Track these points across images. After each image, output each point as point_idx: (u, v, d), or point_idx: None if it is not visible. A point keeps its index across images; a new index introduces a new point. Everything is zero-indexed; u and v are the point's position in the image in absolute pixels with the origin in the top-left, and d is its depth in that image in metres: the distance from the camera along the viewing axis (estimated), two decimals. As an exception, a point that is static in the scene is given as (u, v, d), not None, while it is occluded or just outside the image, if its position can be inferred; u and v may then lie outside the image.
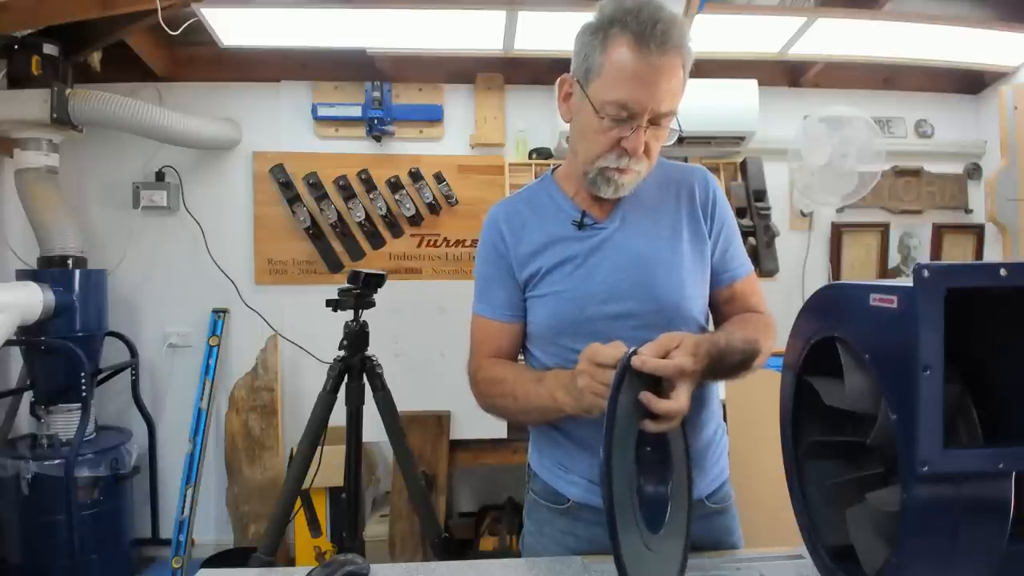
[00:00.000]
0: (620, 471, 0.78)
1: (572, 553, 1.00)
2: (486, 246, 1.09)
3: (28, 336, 2.25)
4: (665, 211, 1.06)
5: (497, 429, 2.38)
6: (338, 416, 1.79)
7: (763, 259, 2.72)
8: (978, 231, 2.97)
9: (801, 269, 2.92)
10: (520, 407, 1.00)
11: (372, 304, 1.85)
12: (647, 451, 0.84)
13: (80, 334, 2.32)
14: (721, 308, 1.09)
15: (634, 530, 0.79)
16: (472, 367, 1.09)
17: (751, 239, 2.72)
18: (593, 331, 0.98)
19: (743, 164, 2.82)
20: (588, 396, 0.84)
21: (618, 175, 0.97)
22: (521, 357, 1.12)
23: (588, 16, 0.97)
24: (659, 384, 0.83)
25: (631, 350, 0.82)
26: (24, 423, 2.57)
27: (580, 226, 1.03)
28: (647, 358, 0.81)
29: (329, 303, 1.82)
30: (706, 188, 1.08)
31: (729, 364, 0.92)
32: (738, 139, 2.71)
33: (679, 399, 0.82)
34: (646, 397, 0.81)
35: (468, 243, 2.81)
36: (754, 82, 2.64)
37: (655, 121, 0.94)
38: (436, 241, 2.81)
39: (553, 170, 1.14)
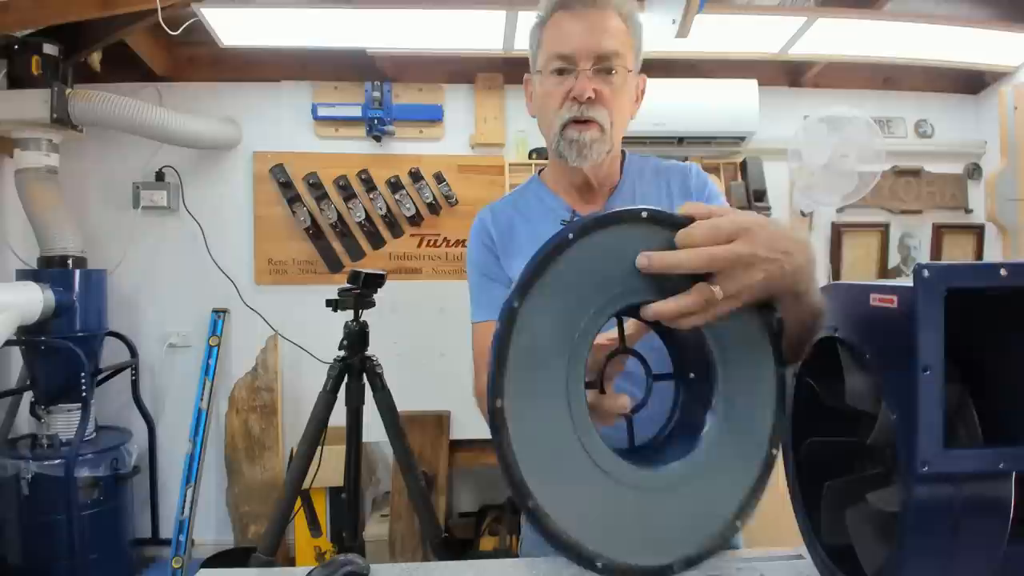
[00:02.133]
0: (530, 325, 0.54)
1: None
2: (476, 251, 1.05)
3: (28, 336, 2.25)
4: (657, 204, 1.04)
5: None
6: (338, 416, 1.79)
7: (763, 259, 2.71)
8: (978, 231, 2.97)
9: (801, 269, 2.92)
10: None
11: (372, 304, 1.86)
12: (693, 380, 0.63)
13: (80, 334, 2.32)
14: None
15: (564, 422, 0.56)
16: (476, 384, 0.99)
17: (751, 239, 2.71)
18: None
19: (743, 164, 2.82)
20: None
21: (579, 131, 0.94)
22: None
23: None
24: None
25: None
26: (24, 423, 2.56)
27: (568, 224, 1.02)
28: (664, 255, 0.54)
29: (329, 303, 1.83)
30: (699, 181, 1.04)
31: (808, 309, 0.64)
32: (738, 139, 2.71)
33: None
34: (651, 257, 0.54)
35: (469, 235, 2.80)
36: (754, 82, 2.64)
37: (599, 65, 0.93)
38: (436, 241, 2.81)
39: (540, 172, 1.12)
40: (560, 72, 0.94)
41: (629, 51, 0.95)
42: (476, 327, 1.04)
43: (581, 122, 0.94)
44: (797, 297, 0.60)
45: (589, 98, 0.92)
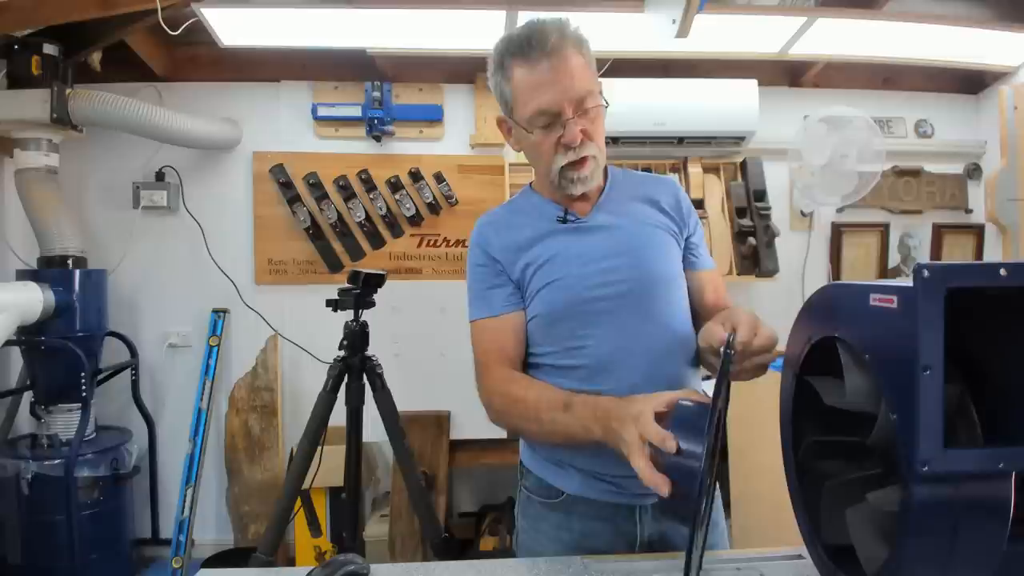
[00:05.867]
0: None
1: (568, 548, 1.01)
2: (475, 255, 1.12)
3: (28, 336, 2.25)
4: (640, 208, 1.12)
5: (497, 429, 2.38)
6: (338, 416, 1.79)
7: (763, 259, 2.72)
8: (978, 231, 2.97)
9: (801, 269, 2.92)
10: (545, 431, 0.95)
11: (372, 304, 1.86)
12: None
13: (80, 334, 2.32)
14: (692, 296, 1.13)
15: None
16: (483, 384, 1.05)
17: (751, 239, 2.71)
18: (595, 312, 1.02)
19: (743, 164, 2.82)
20: (640, 467, 0.75)
21: (576, 171, 1.02)
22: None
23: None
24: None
25: (729, 337, 0.81)
26: (24, 423, 2.56)
27: (564, 221, 1.08)
28: (751, 335, 0.83)
29: (329, 303, 1.83)
30: (675, 195, 1.15)
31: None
32: (738, 139, 2.71)
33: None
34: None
35: (468, 243, 2.80)
36: (754, 82, 2.64)
37: (579, 109, 0.99)
38: (436, 241, 2.81)
39: (531, 184, 1.20)
40: (547, 126, 1.00)
41: (593, 79, 1.02)
42: (474, 325, 1.09)
43: (576, 162, 1.02)
44: None
45: (580, 140, 1.00)
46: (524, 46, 0.99)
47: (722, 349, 0.80)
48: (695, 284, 1.12)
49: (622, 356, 1.00)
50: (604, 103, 1.03)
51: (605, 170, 1.15)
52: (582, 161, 1.02)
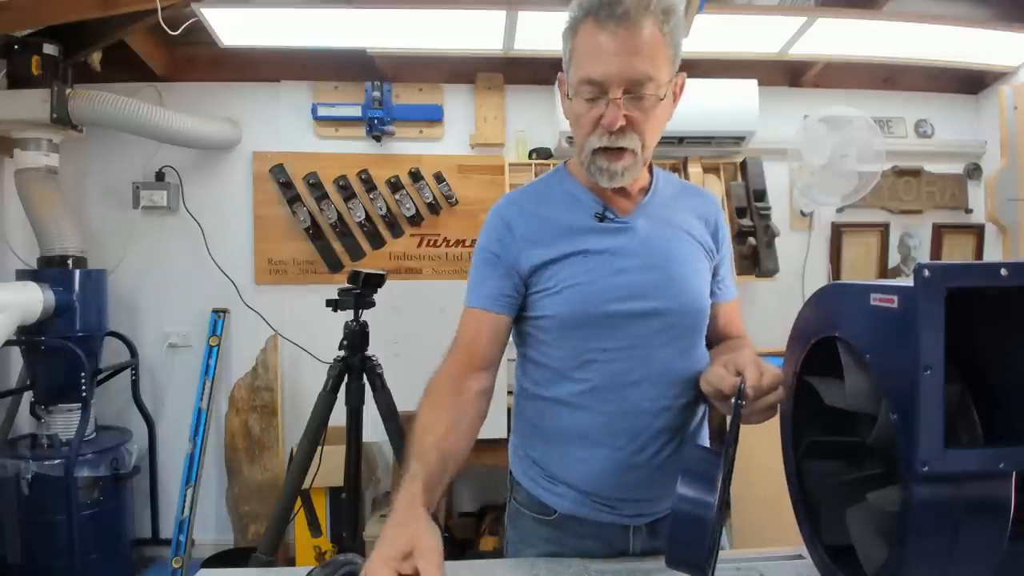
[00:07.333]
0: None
1: None
2: (487, 237, 1.02)
3: (28, 336, 2.25)
4: (684, 218, 1.04)
5: (497, 429, 2.38)
6: (338, 416, 1.79)
7: (763, 259, 2.72)
8: (978, 231, 2.96)
9: (801, 269, 2.92)
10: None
11: (372, 304, 1.85)
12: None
13: (80, 334, 2.32)
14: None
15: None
16: (439, 367, 1.02)
17: (751, 239, 2.71)
18: (614, 326, 0.95)
19: (743, 164, 2.82)
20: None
21: (609, 160, 0.92)
22: (526, 351, 1.06)
23: None
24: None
25: (741, 386, 0.79)
26: (24, 423, 2.56)
27: (602, 219, 0.98)
28: (759, 379, 0.79)
29: (329, 303, 1.82)
30: (716, 217, 1.08)
31: None
32: (738, 139, 2.71)
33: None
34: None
35: (468, 243, 2.81)
36: (754, 82, 2.64)
37: (632, 92, 0.88)
38: (436, 241, 2.81)
39: (566, 162, 1.08)
40: (591, 99, 0.90)
41: (664, 64, 0.90)
42: (467, 311, 1.03)
43: (612, 150, 0.91)
44: None
45: (621, 126, 0.89)
46: (600, 7, 0.86)
47: (733, 400, 0.78)
48: (712, 312, 1.06)
49: (634, 378, 0.95)
50: (666, 84, 0.91)
51: (650, 167, 1.06)
52: (619, 152, 0.91)
